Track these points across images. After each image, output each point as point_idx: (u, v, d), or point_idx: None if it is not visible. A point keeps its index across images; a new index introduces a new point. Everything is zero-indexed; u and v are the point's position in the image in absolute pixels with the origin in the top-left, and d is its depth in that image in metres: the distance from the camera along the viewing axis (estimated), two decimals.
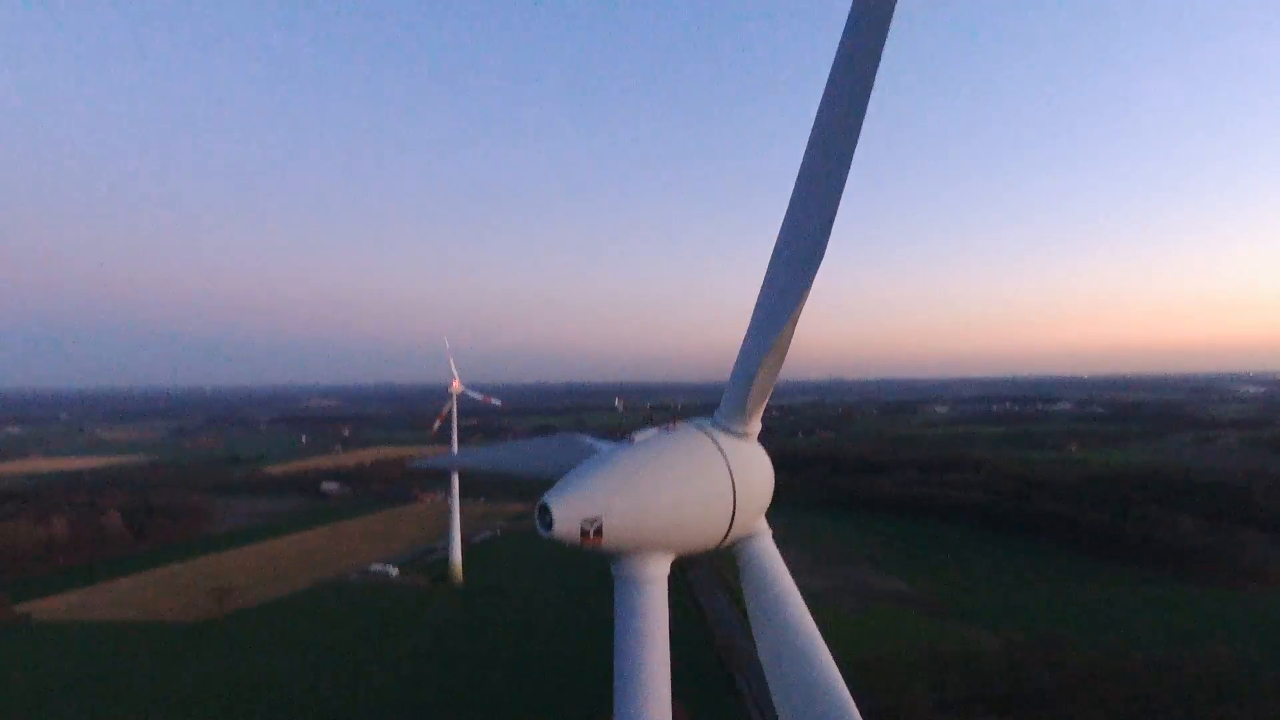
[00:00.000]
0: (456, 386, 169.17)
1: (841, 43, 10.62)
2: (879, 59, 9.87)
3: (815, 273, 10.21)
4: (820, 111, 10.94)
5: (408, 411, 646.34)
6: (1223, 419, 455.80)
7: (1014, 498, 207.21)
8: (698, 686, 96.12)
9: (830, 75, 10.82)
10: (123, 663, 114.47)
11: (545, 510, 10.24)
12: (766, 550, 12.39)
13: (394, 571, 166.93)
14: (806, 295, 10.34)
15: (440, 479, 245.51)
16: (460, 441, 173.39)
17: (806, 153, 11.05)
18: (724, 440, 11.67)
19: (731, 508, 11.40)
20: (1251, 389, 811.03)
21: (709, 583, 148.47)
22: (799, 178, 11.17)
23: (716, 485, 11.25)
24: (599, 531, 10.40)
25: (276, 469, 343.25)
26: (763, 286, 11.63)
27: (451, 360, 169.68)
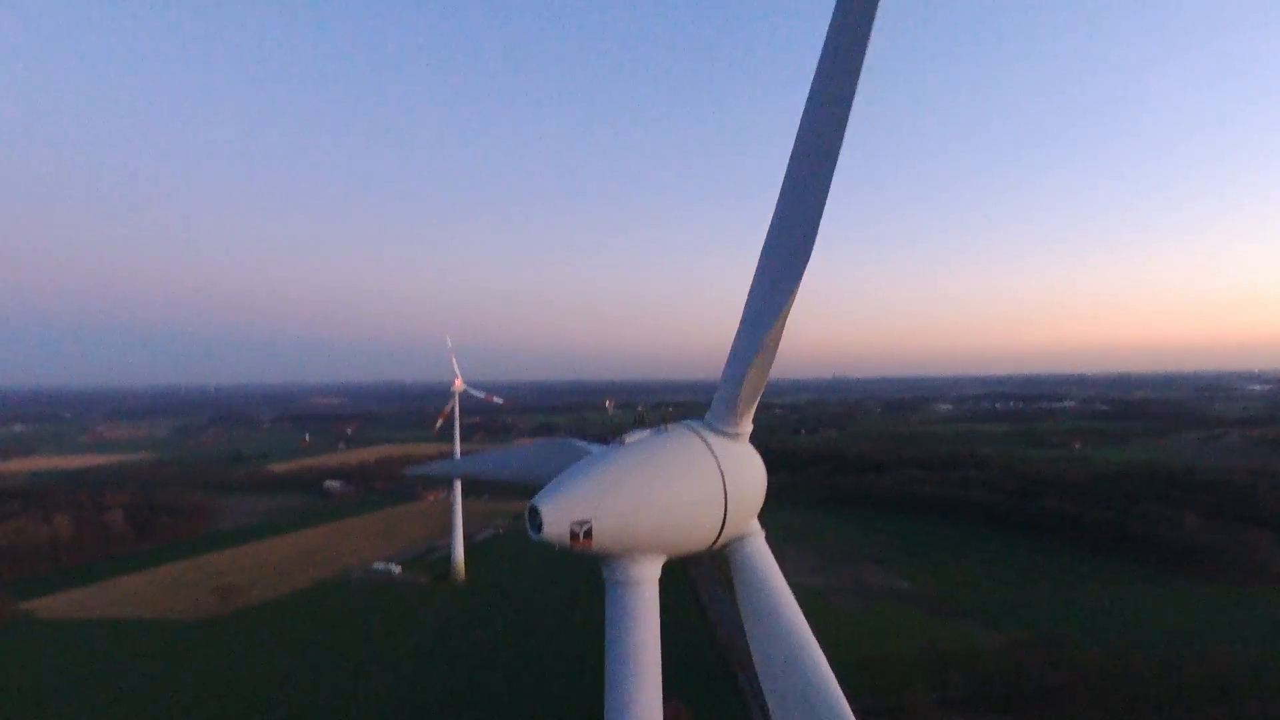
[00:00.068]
0: (459, 385, 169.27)
1: (825, 42, 10.54)
2: (863, 57, 9.78)
3: (802, 271, 10.12)
4: (805, 111, 10.89)
5: (411, 410, 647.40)
6: (1228, 417, 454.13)
7: (1017, 496, 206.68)
8: (700, 684, 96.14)
9: (815, 74, 10.72)
10: (126, 661, 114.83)
11: (535, 512, 10.22)
12: (759, 551, 12.28)
13: (396, 570, 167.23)
14: (795, 294, 10.25)
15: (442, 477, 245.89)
16: (463, 439, 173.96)
17: (793, 152, 10.98)
18: (715, 441, 11.59)
19: (723, 509, 11.32)
20: (1257, 387, 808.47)
21: (711, 580, 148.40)
22: (786, 177, 11.11)
23: (708, 487, 11.17)
24: (589, 534, 10.35)
25: (279, 467, 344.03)
26: (751, 286, 11.54)
27: (453, 359, 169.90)
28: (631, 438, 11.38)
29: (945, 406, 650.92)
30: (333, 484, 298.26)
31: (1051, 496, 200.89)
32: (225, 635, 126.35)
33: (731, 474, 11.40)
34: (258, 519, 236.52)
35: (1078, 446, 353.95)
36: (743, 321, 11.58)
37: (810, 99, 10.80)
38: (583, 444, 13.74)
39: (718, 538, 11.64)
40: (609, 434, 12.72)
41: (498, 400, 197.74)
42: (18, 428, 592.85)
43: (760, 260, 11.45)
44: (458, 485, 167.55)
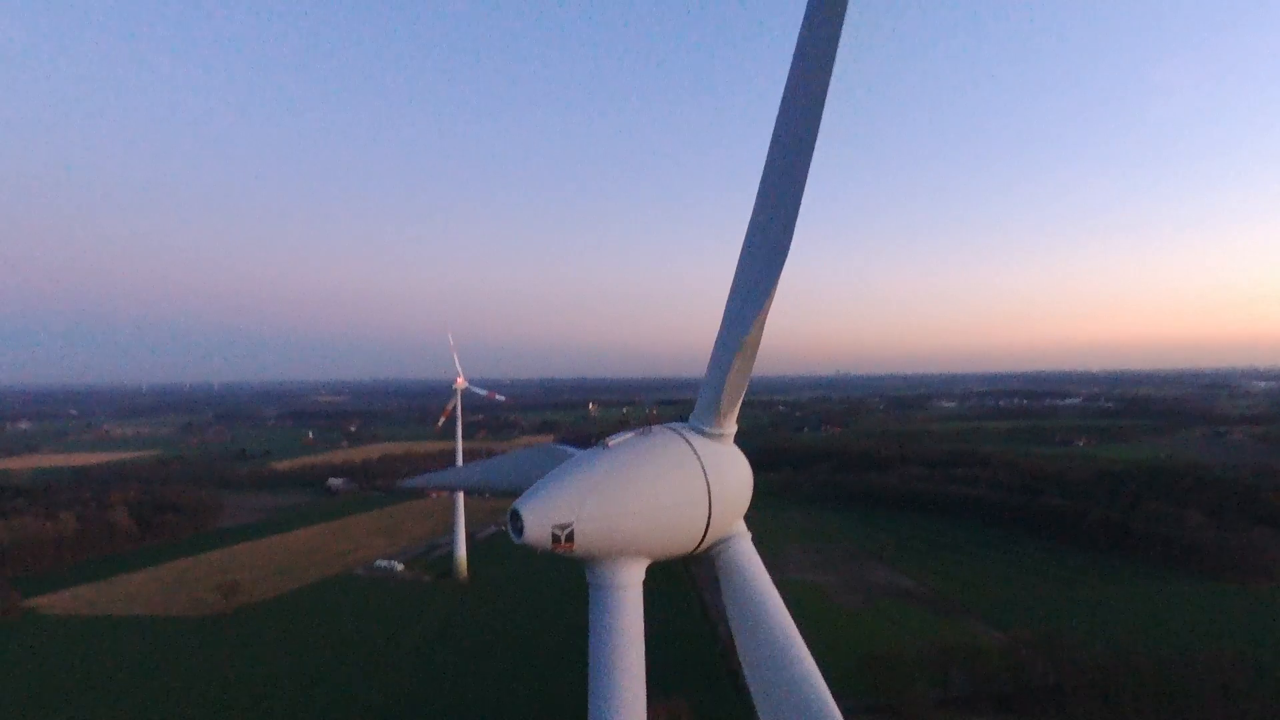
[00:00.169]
0: (461, 383, 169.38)
1: (797, 41, 10.46)
2: (833, 56, 9.75)
3: (780, 271, 10.05)
4: (780, 112, 10.83)
5: (414, 407, 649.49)
6: (1233, 415, 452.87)
7: (1020, 493, 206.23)
8: (701, 682, 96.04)
9: (788, 75, 10.64)
10: (130, 657, 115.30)
11: (516, 516, 10.15)
12: (745, 553, 12.17)
13: (399, 567, 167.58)
14: (773, 294, 10.18)
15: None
16: (465, 437, 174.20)
17: (769, 153, 10.90)
18: (699, 442, 11.50)
19: (707, 511, 11.21)
20: (1261, 384, 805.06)
21: (712, 579, 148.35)
22: (762, 178, 11.02)
23: (691, 489, 11.07)
24: (570, 537, 10.27)
25: (283, 465, 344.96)
26: (732, 286, 11.45)
27: (456, 357, 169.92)
28: (614, 440, 11.30)
29: (948, 404, 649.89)
30: (336, 481, 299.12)
31: (1054, 494, 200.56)
32: (228, 632, 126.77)
33: (715, 475, 11.30)
34: (261, 516, 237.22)
35: (1081, 444, 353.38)
36: (723, 322, 11.52)
37: (784, 100, 10.75)
38: (571, 449, 13.67)
39: (702, 540, 11.53)
40: (592, 437, 12.65)
41: (500, 398, 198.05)
42: (24, 425, 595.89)
43: (740, 260, 11.38)
44: None
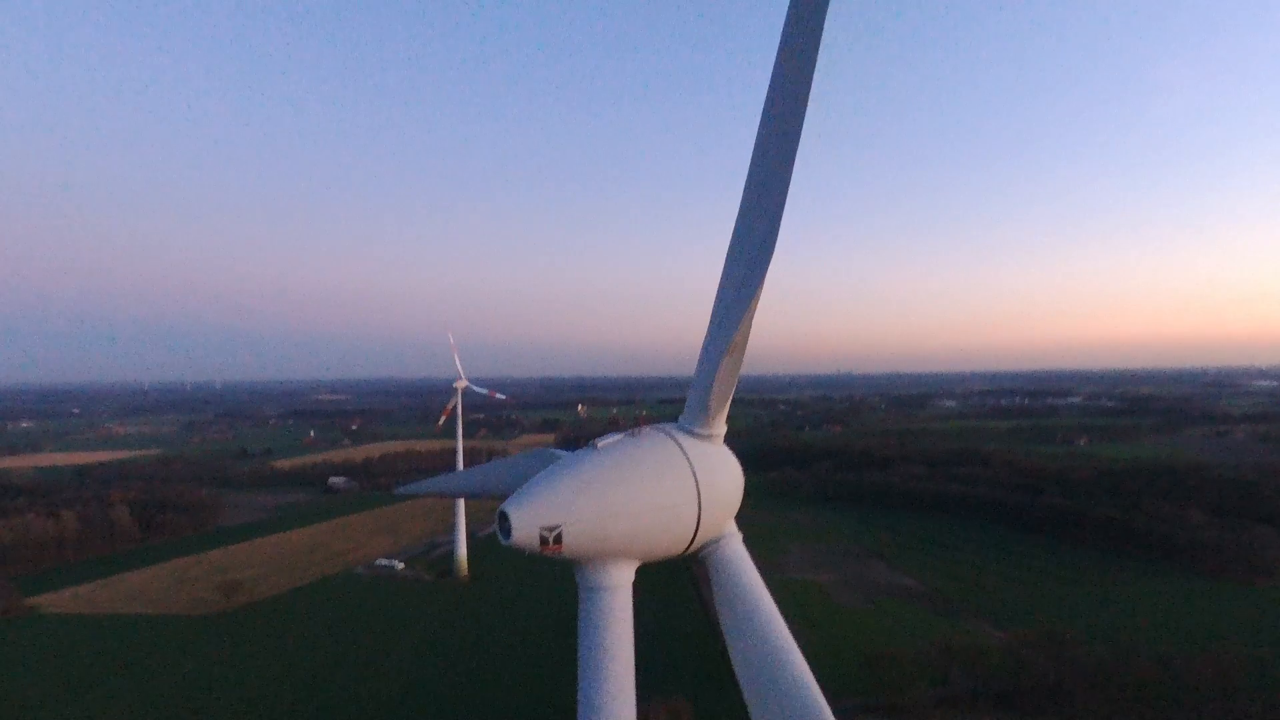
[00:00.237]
0: (461, 384, 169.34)
1: (781, 41, 10.33)
2: (815, 57, 9.59)
3: (765, 271, 9.91)
4: (764, 110, 10.68)
5: (415, 406, 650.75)
6: (1235, 413, 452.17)
7: (1022, 492, 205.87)
8: (702, 681, 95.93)
9: (772, 74, 10.50)
10: (131, 656, 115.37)
11: (504, 517, 9.97)
12: (736, 554, 11.98)
13: (399, 566, 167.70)
14: (759, 294, 10.04)
15: (446, 471, 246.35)
16: (466, 436, 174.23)
17: (753, 155, 10.77)
18: (688, 443, 11.31)
19: (696, 512, 11.03)
20: (1264, 383, 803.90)
21: None
22: (747, 179, 10.89)
23: (680, 490, 10.87)
24: (559, 539, 10.10)
25: (284, 463, 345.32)
26: (719, 286, 11.31)
27: (456, 356, 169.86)
28: (603, 442, 11.13)
29: (950, 403, 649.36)
30: (337, 480, 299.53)
31: (1056, 493, 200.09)
32: (229, 631, 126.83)
33: (705, 476, 11.11)
34: (262, 515, 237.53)
35: (1083, 443, 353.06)
36: (711, 323, 11.38)
37: (766, 100, 10.63)
38: (562, 453, 13.55)
39: (692, 541, 11.34)
40: (581, 438, 12.49)
41: (500, 396, 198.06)
42: (26, 424, 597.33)
43: (726, 260, 11.27)
44: None
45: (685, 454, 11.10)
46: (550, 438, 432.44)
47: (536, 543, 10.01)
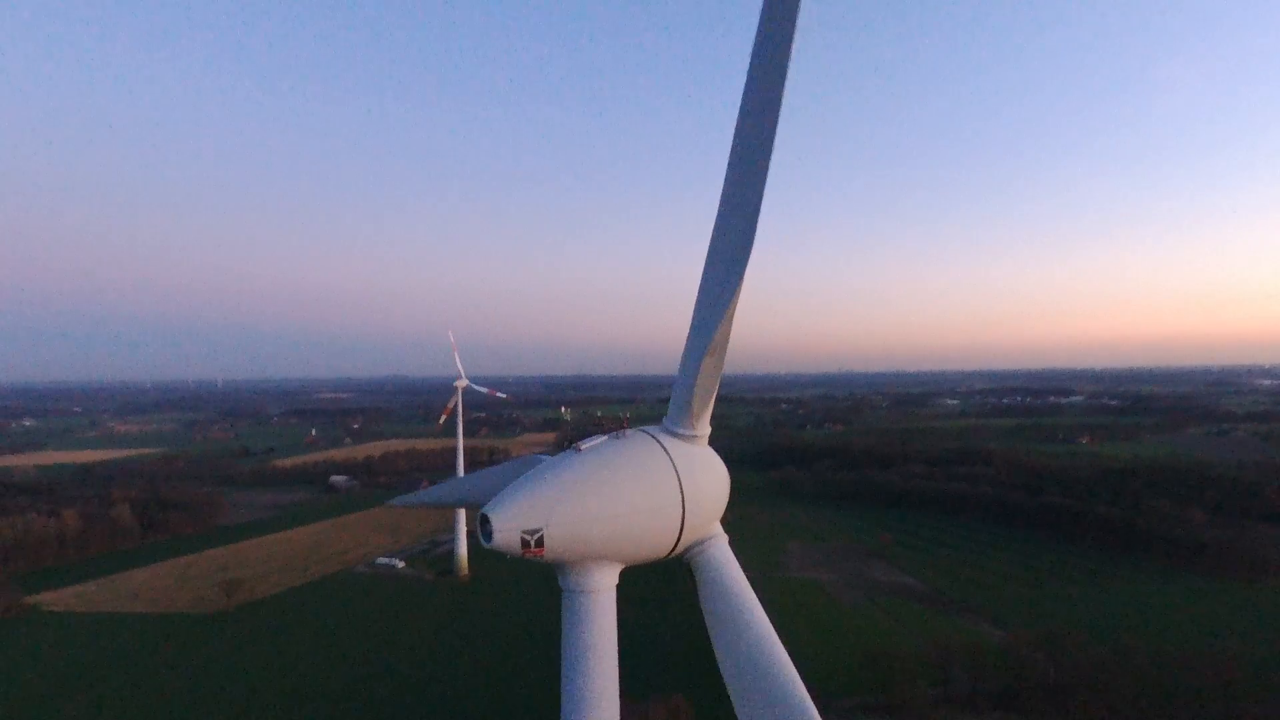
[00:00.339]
0: (462, 383, 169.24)
1: (755, 41, 10.25)
2: (788, 56, 9.47)
3: (743, 271, 9.81)
4: (741, 108, 10.58)
5: (416, 404, 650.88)
6: (1237, 412, 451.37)
7: (1024, 491, 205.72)
8: (701, 680, 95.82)
9: (748, 74, 10.41)
10: (132, 654, 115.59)
11: (486, 520, 9.91)
12: (722, 556, 11.85)
13: (400, 565, 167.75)
14: (738, 294, 9.94)
15: (447, 470, 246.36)
16: (467, 435, 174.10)
17: (730, 156, 10.67)
18: (672, 445, 11.18)
19: (680, 514, 10.92)
20: (1266, 382, 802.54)
21: None
22: (725, 180, 10.79)
23: (664, 492, 10.76)
24: (540, 542, 10.04)
25: (285, 462, 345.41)
26: (700, 287, 11.20)
27: (456, 355, 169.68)
28: (586, 444, 11.04)
29: (952, 402, 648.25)
30: (338, 479, 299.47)
31: (1057, 492, 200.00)
32: (230, 629, 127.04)
33: (688, 478, 11.00)
34: (264, 514, 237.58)
35: (1085, 442, 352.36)
36: (692, 324, 11.24)
37: (743, 98, 10.52)
38: (549, 459, 13.47)
39: (676, 544, 11.24)
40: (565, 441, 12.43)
41: (501, 395, 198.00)
42: (28, 422, 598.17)
43: (706, 260, 11.14)
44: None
45: (669, 456, 10.99)
46: (551, 436, 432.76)
47: (518, 546, 9.96)
